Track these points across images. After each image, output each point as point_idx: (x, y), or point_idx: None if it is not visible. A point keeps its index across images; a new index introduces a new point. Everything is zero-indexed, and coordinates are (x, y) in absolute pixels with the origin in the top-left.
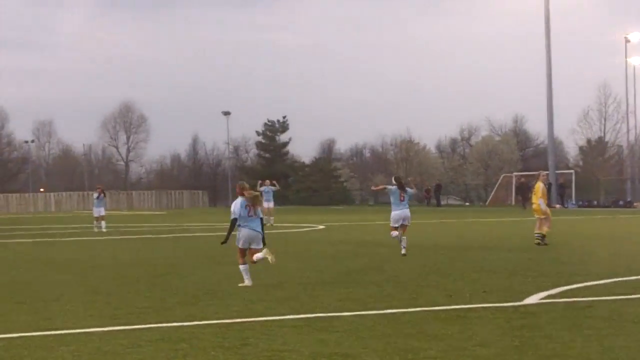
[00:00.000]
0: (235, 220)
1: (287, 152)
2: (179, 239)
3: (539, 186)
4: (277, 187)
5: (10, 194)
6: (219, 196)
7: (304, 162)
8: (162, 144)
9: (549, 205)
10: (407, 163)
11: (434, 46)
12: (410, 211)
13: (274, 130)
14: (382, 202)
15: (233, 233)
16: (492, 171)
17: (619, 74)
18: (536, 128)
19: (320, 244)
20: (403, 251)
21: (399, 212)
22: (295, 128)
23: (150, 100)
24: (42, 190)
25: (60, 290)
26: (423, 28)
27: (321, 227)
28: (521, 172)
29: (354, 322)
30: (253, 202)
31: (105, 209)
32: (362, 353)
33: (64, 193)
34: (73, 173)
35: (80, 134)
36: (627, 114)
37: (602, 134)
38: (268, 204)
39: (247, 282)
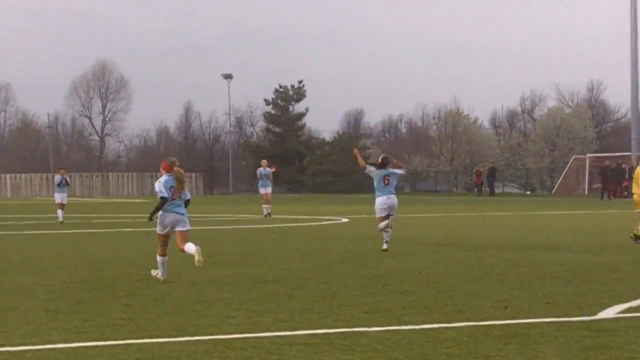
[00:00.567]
0: (165, 200)
1: (303, 126)
2: None
3: None
4: (273, 169)
5: None
6: (217, 180)
7: (323, 139)
8: (146, 114)
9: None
10: (453, 141)
11: None
12: (457, 201)
13: (286, 99)
14: (420, 189)
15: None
16: (560, 152)
17: None
18: (616, 98)
19: (343, 241)
20: (385, 246)
21: (384, 199)
22: (313, 96)
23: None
24: None
25: (17, 296)
26: None
27: (344, 220)
28: (596, 152)
29: (384, 340)
30: (180, 183)
31: (67, 197)
32: None
33: (22, 175)
34: (35, 150)
35: (45, 101)
36: None
37: None
38: (266, 190)
39: (161, 275)
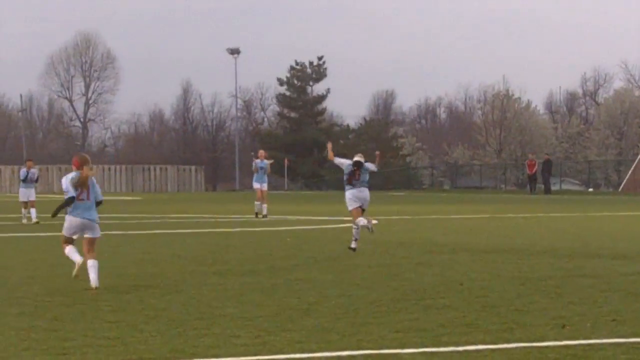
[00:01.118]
0: (71, 200)
1: (324, 111)
2: (158, 237)
3: None
4: (272, 161)
5: None
6: (221, 175)
7: (347, 126)
8: (137, 96)
9: None
10: (502, 129)
11: None
12: (506, 200)
13: (304, 78)
14: (462, 186)
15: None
16: (628, 142)
17: None
18: None
19: (370, 247)
20: (353, 244)
21: (354, 192)
22: (335, 75)
23: (119, 31)
24: None
25: None
26: None
27: (373, 221)
28: None
29: None
30: (82, 184)
31: (36, 193)
32: None
33: None
34: (4, 138)
35: (17, 80)
36: None
37: None
38: (261, 186)
39: (76, 262)
